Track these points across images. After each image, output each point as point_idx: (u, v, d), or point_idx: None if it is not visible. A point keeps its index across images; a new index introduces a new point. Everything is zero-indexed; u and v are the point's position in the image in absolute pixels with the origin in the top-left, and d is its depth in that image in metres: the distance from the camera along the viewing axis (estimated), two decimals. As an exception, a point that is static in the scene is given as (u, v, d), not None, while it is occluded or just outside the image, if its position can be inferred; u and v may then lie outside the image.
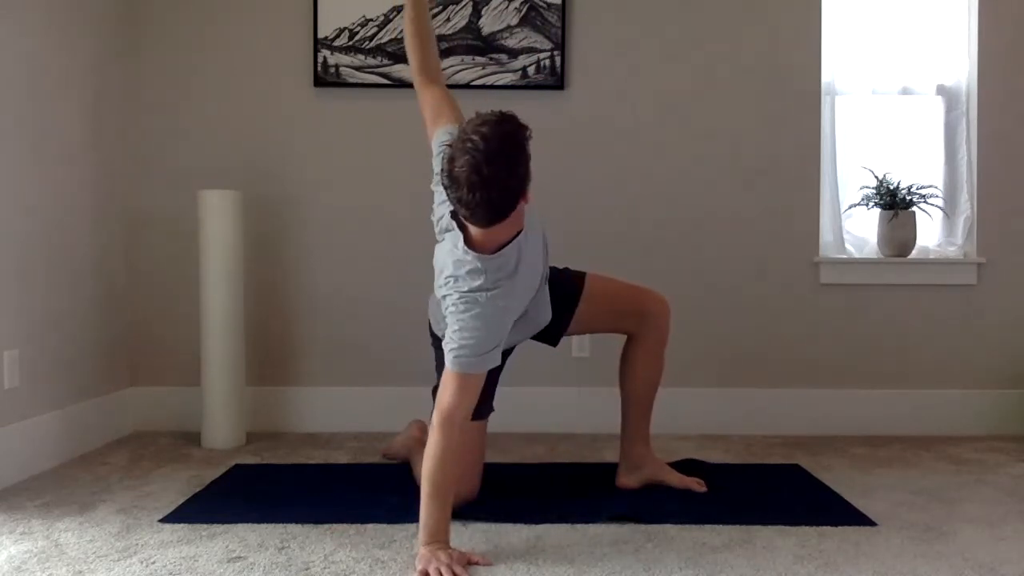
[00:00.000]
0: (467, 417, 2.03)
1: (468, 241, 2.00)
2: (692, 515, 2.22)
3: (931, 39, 3.41)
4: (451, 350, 2.01)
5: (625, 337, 2.52)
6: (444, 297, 2.07)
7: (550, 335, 2.50)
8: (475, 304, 2.00)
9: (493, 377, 2.41)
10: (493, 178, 1.83)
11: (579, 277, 2.48)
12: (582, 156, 3.33)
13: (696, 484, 2.44)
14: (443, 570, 1.82)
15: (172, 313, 3.30)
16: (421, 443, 2.37)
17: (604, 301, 2.47)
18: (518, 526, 2.15)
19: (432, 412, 2.02)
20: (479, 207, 1.86)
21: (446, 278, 2.06)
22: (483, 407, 2.36)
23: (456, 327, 2.01)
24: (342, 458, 2.89)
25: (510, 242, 2.03)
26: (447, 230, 2.11)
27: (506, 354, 2.45)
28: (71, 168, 2.93)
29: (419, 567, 1.85)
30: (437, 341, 2.44)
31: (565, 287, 2.44)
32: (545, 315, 2.40)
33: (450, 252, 2.06)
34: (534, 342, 2.50)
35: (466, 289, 2.01)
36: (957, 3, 3.39)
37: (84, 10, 3.02)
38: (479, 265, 2.00)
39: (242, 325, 3.10)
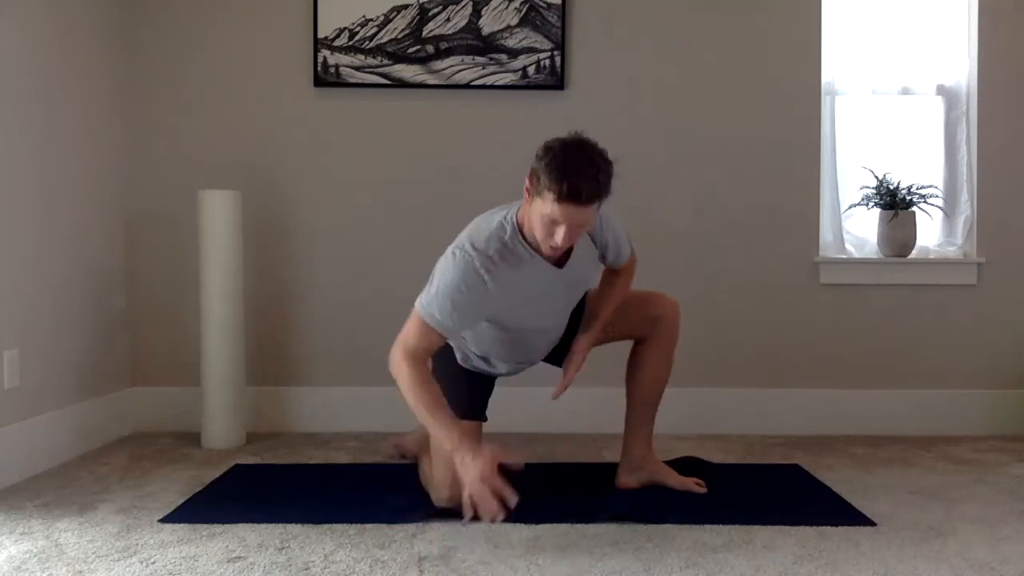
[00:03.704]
0: (428, 355, 2.16)
1: (519, 215, 2.14)
2: (692, 515, 2.22)
3: (931, 39, 3.41)
4: (424, 293, 2.13)
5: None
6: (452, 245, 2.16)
7: (556, 357, 2.51)
8: (464, 264, 2.09)
9: (486, 386, 2.42)
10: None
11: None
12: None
13: (695, 485, 2.44)
14: (475, 494, 1.97)
15: (172, 313, 3.30)
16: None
17: (613, 312, 2.46)
18: (518, 526, 2.15)
19: (395, 349, 2.16)
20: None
21: (467, 230, 2.18)
22: (476, 411, 2.37)
23: (437, 276, 2.12)
24: (342, 458, 2.89)
25: (538, 254, 2.13)
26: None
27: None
28: (71, 168, 2.93)
29: (467, 491, 1.98)
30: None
31: None
32: (537, 354, 2.43)
33: (493, 213, 2.20)
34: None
35: (468, 245, 2.11)
36: (957, 3, 3.39)
37: (84, 11, 3.02)
38: (506, 230, 2.12)
39: (242, 325, 3.10)
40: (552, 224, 2.02)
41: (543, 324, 2.34)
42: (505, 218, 2.16)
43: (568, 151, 2.01)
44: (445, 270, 2.11)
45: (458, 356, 2.39)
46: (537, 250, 2.14)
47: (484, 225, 2.17)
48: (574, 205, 1.98)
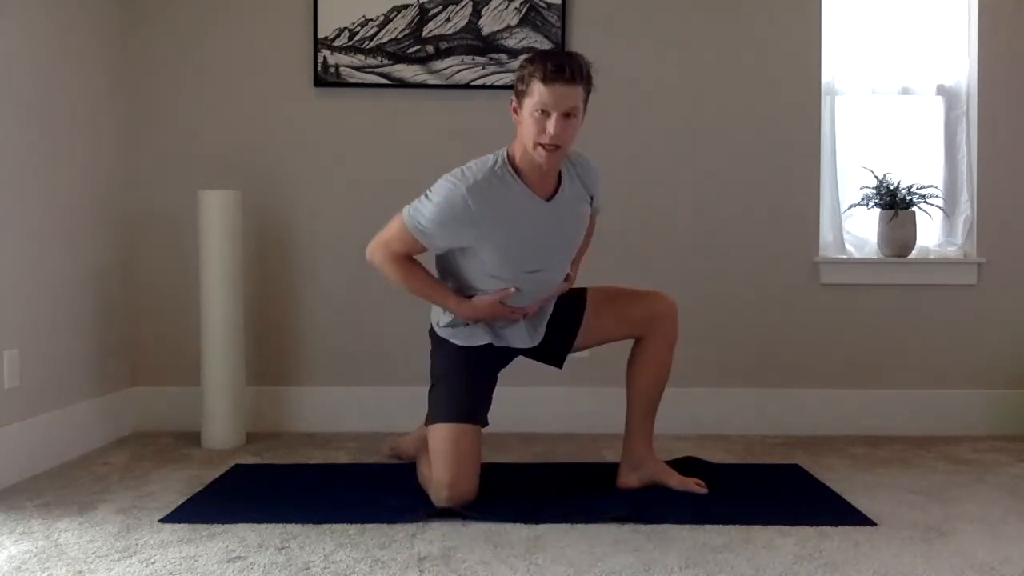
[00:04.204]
0: (409, 257, 2.33)
1: (510, 148, 2.28)
2: (692, 515, 2.22)
3: (931, 39, 3.41)
4: (413, 203, 2.26)
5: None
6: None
7: (555, 357, 2.52)
8: (453, 187, 2.20)
9: (486, 389, 2.41)
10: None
11: (580, 294, 2.49)
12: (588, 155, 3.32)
13: (696, 485, 2.44)
14: (496, 313, 2.29)
15: (172, 313, 3.30)
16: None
17: (610, 312, 2.47)
18: (518, 526, 2.15)
19: (375, 247, 2.35)
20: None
21: (465, 164, 2.29)
22: (477, 410, 2.37)
23: (429, 193, 2.24)
24: (342, 458, 2.89)
25: (526, 185, 2.25)
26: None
27: (504, 364, 2.47)
28: (71, 168, 2.93)
29: (492, 314, 2.30)
30: (435, 340, 2.45)
31: (567, 307, 2.45)
32: (527, 338, 2.43)
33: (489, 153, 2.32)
34: (538, 362, 2.54)
35: (460, 173, 2.23)
36: (957, 3, 3.39)
37: (84, 11, 3.02)
38: (496, 161, 2.24)
39: (242, 325, 3.10)
40: (543, 116, 2.14)
41: (536, 266, 2.33)
42: (497, 152, 2.29)
43: (547, 50, 2.29)
44: (436, 190, 2.23)
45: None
46: (526, 181, 2.25)
47: (477, 161, 2.28)
48: (561, 83, 2.12)
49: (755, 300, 3.34)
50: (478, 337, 2.37)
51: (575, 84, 2.14)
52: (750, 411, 3.32)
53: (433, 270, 2.43)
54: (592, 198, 2.43)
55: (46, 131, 2.78)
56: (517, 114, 2.22)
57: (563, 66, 2.12)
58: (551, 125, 2.13)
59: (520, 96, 2.19)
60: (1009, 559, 1.95)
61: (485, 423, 2.40)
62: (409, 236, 2.26)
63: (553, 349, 2.49)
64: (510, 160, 2.26)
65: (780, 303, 3.35)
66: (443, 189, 2.22)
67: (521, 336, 2.42)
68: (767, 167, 3.34)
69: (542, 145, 2.16)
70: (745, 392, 3.33)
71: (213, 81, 3.31)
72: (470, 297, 2.34)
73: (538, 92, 2.13)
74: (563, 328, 2.46)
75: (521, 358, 2.52)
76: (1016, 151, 3.35)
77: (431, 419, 2.37)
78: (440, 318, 2.43)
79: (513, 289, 2.29)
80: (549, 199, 2.29)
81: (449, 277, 2.39)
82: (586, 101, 2.22)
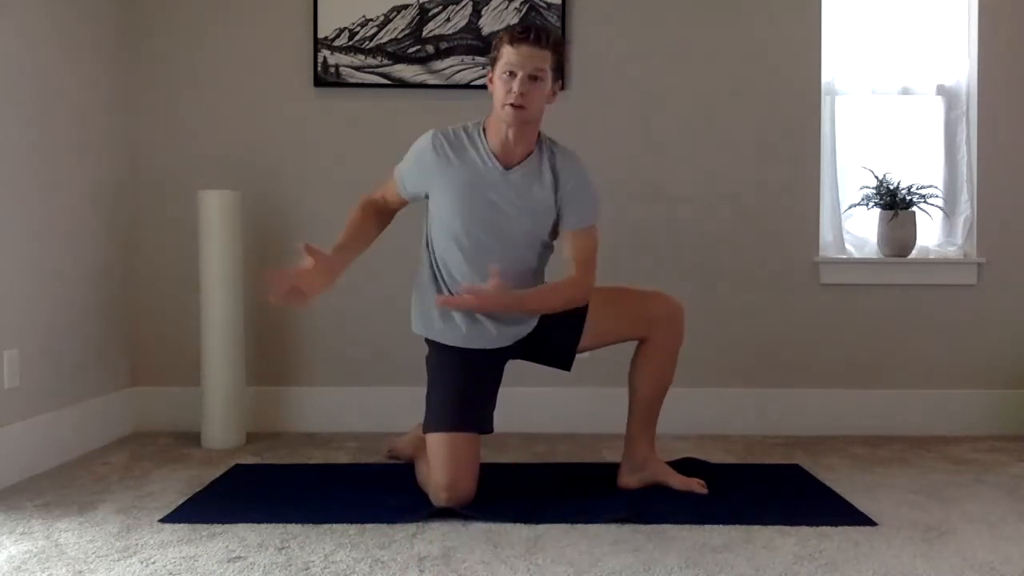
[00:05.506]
0: (381, 203, 2.55)
1: (487, 119, 2.40)
2: (692, 515, 2.22)
3: (931, 39, 3.41)
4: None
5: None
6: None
7: (562, 360, 2.49)
8: (426, 134, 2.39)
9: (484, 392, 2.40)
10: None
11: None
12: (581, 156, 3.32)
13: (698, 486, 2.44)
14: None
15: (172, 313, 3.30)
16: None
17: (614, 312, 2.45)
18: (518, 526, 2.15)
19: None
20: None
21: None
22: (473, 420, 2.35)
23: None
24: (342, 458, 2.89)
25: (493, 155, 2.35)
26: None
27: (500, 364, 2.45)
28: (71, 169, 2.93)
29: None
30: (428, 344, 2.45)
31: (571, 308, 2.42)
32: (494, 339, 2.40)
33: None
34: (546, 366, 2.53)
35: (438, 128, 2.40)
36: (957, 3, 3.39)
37: (84, 11, 3.02)
38: (471, 124, 2.40)
39: (242, 325, 3.10)
40: (510, 76, 2.26)
41: (481, 229, 2.32)
42: (479, 119, 2.43)
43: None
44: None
45: (428, 328, 2.43)
46: (494, 152, 2.34)
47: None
48: (526, 44, 2.24)
49: (755, 300, 3.35)
50: (447, 335, 2.38)
51: (541, 47, 2.25)
52: (750, 411, 3.32)
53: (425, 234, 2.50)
54: (560, 212, 2.37)
55: (46, 131, 2.78)
56: (491, 82, 2.35)
57: (529, 29, 2.28)
58: (516, 84, 2.24)
59: (493, 63, 2.33)
60: (1009, 559, 1.95)
61: (486, 428, 2.37)
62: (391, 180, 2.46)
63: (560, 351, 2.47)
64: (485, 129, 2.39)
65: (780, 303, 3.35)
66: (423, 138, 2.40)
67: (486, 337, 2.36)
68: (767, 167, 3.34)
69: (510, 104, 2.26)
70: (745, 392, 3.34)
71: (213, 81, 3.31)
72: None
73: (505, 54, 2.27)
74: (569, 329, 2.44)
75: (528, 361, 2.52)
76: (1016, 151, 3.35)
77: (427, 426, 2.36)
78: (413, 318, 2.46)
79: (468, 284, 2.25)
80: (510, 167, 2.35)
81: (431, 230, 2.45)
82: (556, 69, 2.32)
